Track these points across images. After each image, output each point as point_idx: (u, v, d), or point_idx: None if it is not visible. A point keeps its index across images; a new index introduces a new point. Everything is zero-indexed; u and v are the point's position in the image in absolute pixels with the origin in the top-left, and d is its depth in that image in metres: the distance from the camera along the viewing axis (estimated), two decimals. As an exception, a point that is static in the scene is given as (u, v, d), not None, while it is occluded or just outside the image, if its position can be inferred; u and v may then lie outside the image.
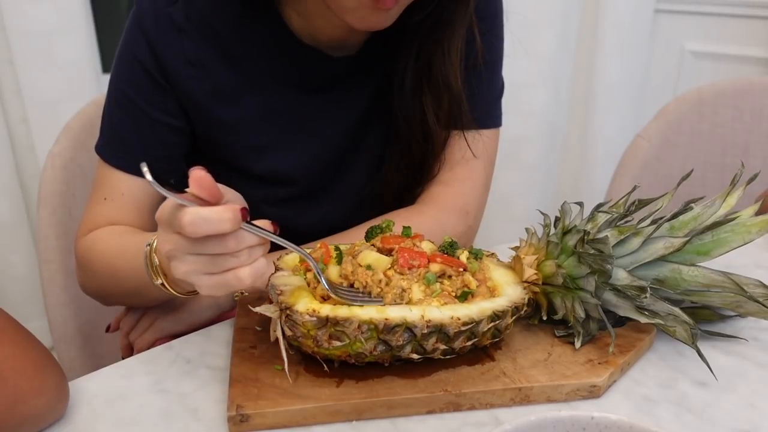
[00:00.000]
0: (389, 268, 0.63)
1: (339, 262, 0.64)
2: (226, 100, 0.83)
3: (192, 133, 0.86)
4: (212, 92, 0.82)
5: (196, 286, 0.57)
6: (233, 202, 0.57)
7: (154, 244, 0.66)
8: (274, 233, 0.58)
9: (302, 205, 0.91)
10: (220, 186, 0.57)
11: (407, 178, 0.91)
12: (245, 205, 0.58)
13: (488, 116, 0.91)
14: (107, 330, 0.90)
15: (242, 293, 0.80)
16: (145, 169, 0.52)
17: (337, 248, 0.65)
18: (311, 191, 0.91)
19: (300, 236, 0.80)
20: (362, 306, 0.60)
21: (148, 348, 0.76)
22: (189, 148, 0.87)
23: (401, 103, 0.85)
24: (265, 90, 0.84)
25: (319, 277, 0.61)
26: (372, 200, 0.93)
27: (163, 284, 0.66)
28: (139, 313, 0.86)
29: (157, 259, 0.66)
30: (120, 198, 0.83)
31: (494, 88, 0.92)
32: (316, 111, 0.87)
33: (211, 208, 0.54)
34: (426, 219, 0.87)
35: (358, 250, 0.65)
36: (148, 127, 0.82)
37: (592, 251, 0.65)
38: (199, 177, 0.53)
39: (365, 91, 0.88)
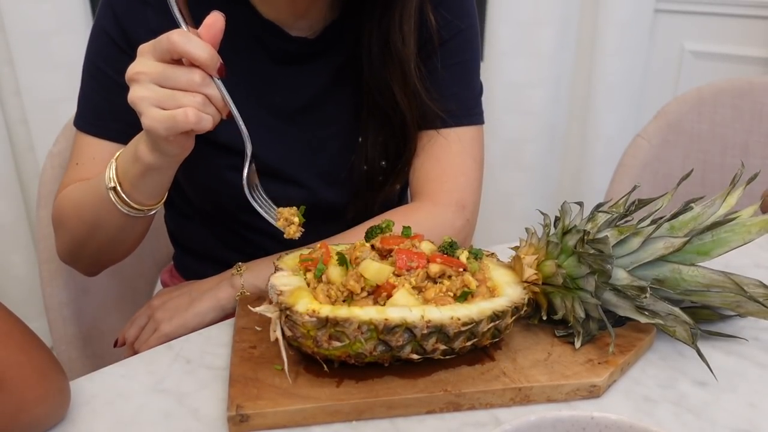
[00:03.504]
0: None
1: (341, 263, 0.64)
2: None
3: None
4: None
5: (143, 116, 0.63)
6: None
7: (118, 157, 0.73)
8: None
9: (275, 182, 0.91)
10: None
11: (385, 154, 0.93)
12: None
13: (469, 113, 0.93)
14: (115, 345, 0.90)
15: (243, 292, 0.80)
16: None
17: (339, 254, 0.65)
18: (273, 169, 0.91)
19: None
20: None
21: None
22: None
23: (370, 75, 0.88)
24: (228, 62, 0.86)
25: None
26: (352, 179, 0.94)
27: (114, 189, 0.72)
28: (143, 321, 0.86)
29: (114, 165, 0.73)
30: (91, 161, 0.86)
31: (473, 86, 0.94)
32: (276, 83, 0.89)
33: (199, 40, 0.62)
34: (423, 214, 0.88)
35: (361, 257, 0.65)
36: (118, 93, 0.84)
37: (592, 251, 0.65)
38: (213, 21, 0.63)
39: (325, 68, 0.90)
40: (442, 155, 0.91)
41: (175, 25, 0.84)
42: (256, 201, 0.69)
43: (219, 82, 0.64)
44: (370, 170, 0.94)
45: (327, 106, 0.92)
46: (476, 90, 0.95)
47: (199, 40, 0.62)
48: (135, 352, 0.86)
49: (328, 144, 0.93)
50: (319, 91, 0.91)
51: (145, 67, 0.63)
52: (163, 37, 0.62)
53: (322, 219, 0.88)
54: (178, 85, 0.62)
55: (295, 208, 0.71)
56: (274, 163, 0.91)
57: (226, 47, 0.85)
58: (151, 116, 0.63)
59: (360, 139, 0.92)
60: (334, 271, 0.63)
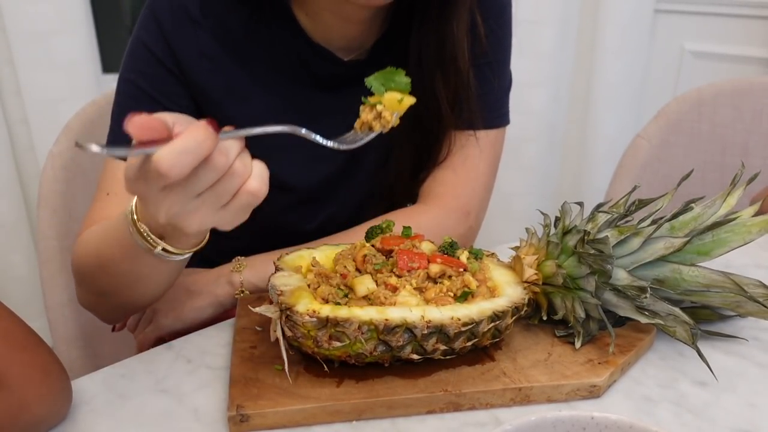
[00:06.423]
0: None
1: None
2: (238, 97, 0.83)
3: None
4: (225, 88, 0.82)
5: (219, 228, 0.53)
6: (185, 124, 0.50)
7: (135, 210, 0.60)
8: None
9: (308, 206, 0.92)
10: (164, 115, 0.50)
11: (415, 165, 0.92)
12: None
13: (496, 115, 0.92)
14: (113, 329, 0.90)
15: (242, 291, 0.80)
16: (92, 146, 0.45)
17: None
18: (315, 195, 0.91)
19: (304, 238, 0.80)
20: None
21: (152, 346, 0.76)
22: None
23: (419, 89, 0.85)
24: (275, 88, 0.85)
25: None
26: (379, 196, 0.93)
27: (164, 249, 0.60)
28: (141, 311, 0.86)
29: (144, 227, 0.60)
30: (124, 192, 0.78)
31: (502, 86, 0.93)
32: (325, 109, 0.87)
33: (180, 138, 0.47)
34: (426, 218, 0.87)
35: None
36: None
37: (592, 251, 0.65)
38: (139, 121, 0.47)
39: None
40: (458, 159, 0.90)
41: (233, 51, 0.80)
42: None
43: (224, 135, 0.51)
44: (404, 182, 0.93)
45: None
46: (505, 87, 0.93)
47: (182, 142, 0.47)
48: (139, 350, 0.86)
49: (366, 161, 0.92)
50: None
51: (167, 203, 0.51)
52: (153, 176, 0.48)
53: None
54: (214, 180, 0.51)
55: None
56: (315, 186, 0.90)
57: (269, 68, 0.83)
58: (226, 223, 0.53)
59: (395, 153, 0.91)
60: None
